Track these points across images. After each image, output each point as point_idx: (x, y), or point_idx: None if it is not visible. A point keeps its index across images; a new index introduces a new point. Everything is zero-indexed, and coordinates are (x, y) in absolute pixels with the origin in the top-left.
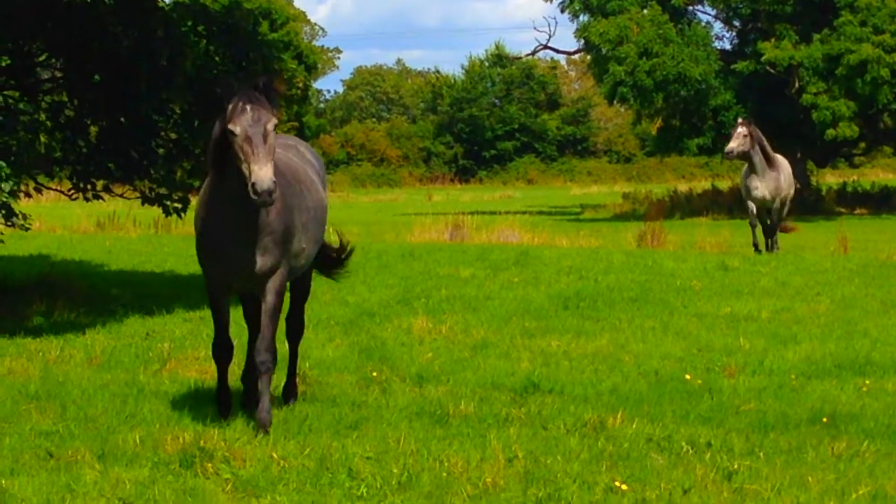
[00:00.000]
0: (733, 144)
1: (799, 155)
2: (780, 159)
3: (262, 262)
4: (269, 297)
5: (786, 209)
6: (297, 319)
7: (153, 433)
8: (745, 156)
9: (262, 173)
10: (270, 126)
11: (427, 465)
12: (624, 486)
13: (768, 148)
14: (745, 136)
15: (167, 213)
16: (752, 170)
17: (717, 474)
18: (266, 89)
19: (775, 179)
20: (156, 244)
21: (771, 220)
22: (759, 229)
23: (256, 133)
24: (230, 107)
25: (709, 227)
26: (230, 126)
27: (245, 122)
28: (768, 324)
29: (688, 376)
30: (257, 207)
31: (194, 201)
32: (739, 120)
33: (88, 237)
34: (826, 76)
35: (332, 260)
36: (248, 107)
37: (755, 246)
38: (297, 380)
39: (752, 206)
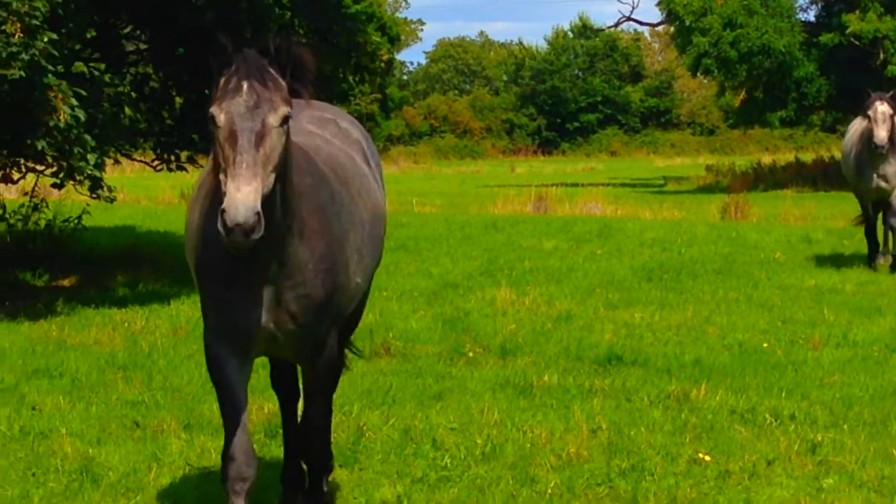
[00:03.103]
0: (883, 134)
1: None
2: None
3: (295, 318)
4: (317, 367)
5: None
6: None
7: None
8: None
9: (238, 196)
10: (273, 119)
11: (511, 435)
12: (707, 458)
13: None
14: (890, 115)
15: None
16: (876, 153)
17: (800, 446)
18: (281, 55)
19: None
20: None
21: (893, 207)
22: (879, 228)
23: (247, 129)
24: (221, 80)
25: (793, 200)
26: (212, 110)
27: (234, 108)
28: (853, 297)
29: (778, 351)
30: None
31: None
32: (874, 94)
33: (172, 208)
34: None
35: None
36: (245, 84)
37: (873, 256)
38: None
39: (868, 202)
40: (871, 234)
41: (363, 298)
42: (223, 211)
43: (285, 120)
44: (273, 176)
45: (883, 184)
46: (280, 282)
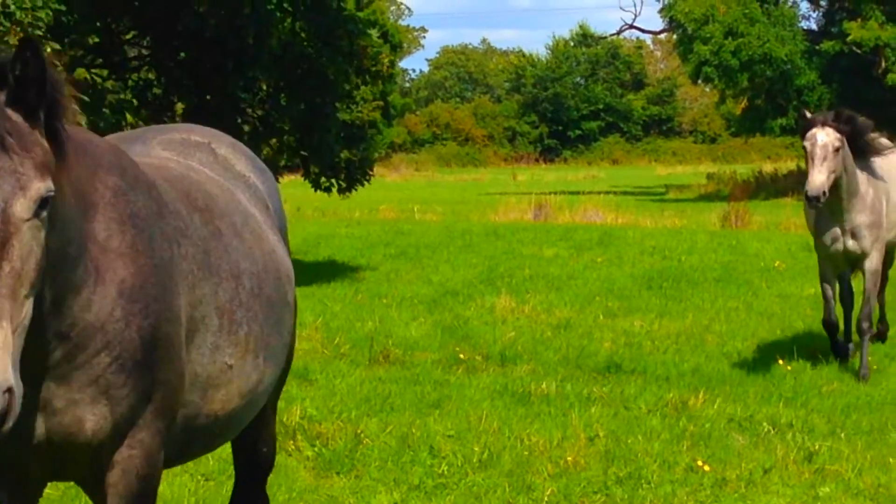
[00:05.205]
0: (821, 178)
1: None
2: (881, 164)
3: (78, 418)
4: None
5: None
6: None
7: None
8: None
9: None
10: (21, 207)
11: (508, 443)
12: (705, 466)
13: (872, 144)
14: (835, 149)
15: None
16: (812, 206)
17: (798, 454)
18: (27, 90)
19: (870, 207)
20: None
21: (865, 285)
22: (838, 308)
23: None
24: None
25: (793, 208)
26: None
27: None
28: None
29: (780, 361)
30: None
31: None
32: (811, 116)
33: None
34: None
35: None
36: None
37: (837, 348)
38: None
39: (834, 275)
40: (833, 325)
41: (260, 424)
42: None
43: (44, 203)
44: (30, 301)
45: (852, 243)
46: (70, 360)
